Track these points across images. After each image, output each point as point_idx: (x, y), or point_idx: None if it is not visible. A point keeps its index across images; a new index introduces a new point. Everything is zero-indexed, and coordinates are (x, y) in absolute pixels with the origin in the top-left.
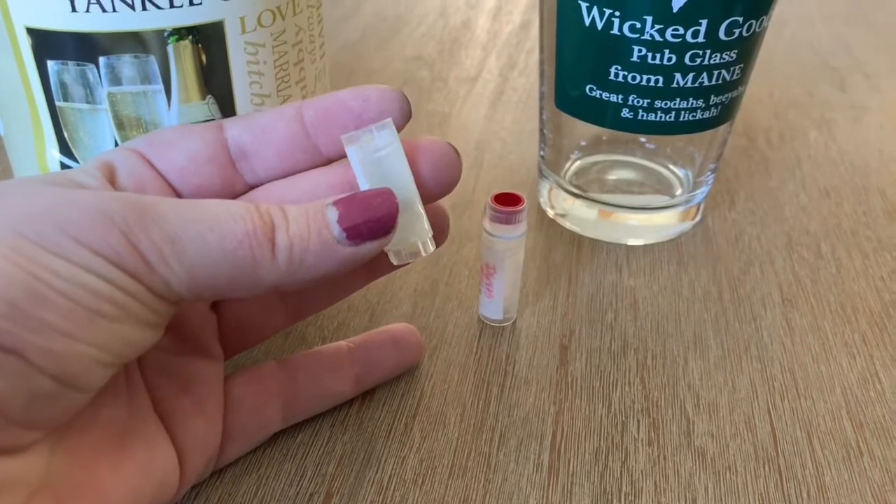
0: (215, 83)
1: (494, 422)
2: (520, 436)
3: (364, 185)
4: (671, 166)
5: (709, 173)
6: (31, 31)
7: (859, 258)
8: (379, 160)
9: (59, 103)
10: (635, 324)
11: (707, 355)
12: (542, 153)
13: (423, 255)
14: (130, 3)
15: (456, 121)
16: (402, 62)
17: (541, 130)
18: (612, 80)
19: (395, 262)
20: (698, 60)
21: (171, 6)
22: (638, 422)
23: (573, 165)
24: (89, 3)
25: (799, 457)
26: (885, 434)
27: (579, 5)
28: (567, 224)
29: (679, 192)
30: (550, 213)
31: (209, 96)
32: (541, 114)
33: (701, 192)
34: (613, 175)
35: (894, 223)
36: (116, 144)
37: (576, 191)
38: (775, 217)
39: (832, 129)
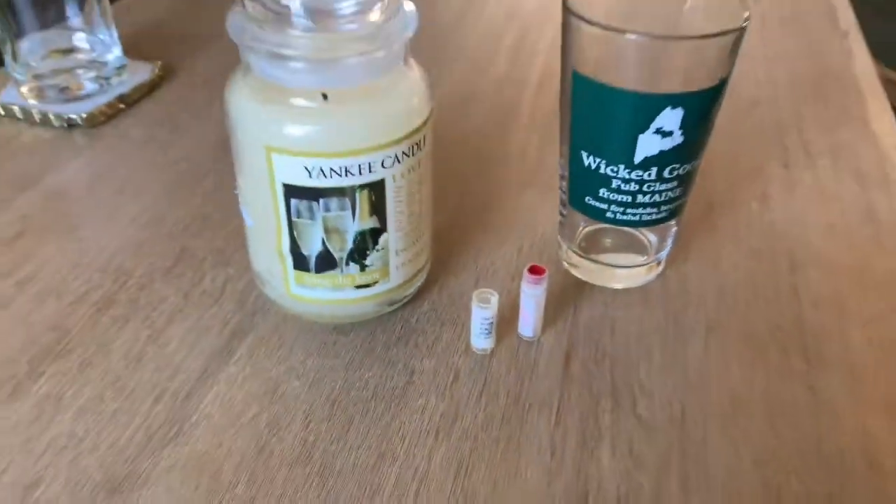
0: (377, 209)
1: (521, 390)
2: (536, 401)
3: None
4: (647, 234)
5: (669, 240)
6: (285, 185)
7: (763, 300)
8: None
9: (293, 219)
10: (612, 340)
11: (652, 361)
12: (560, 230)
13: None
14: (340, 171)
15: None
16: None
17: (560, 213)
18: (601, 196)
19: None
20: (653, 188)
21: (359, 173)
22: (606, 399)
23: (581, 234)
24: (319, 172)
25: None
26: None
27: (581, 154)
28: (575, 272)
29: (650, 252)
30: (565, 265)
31: (374, 216)
32: (561, 206)
33: (664, 253)
34: (609, 239)
35: (794, 275)
36: (323, 243)
37: (582, 253)
38: (714, 270)
39: (770, 201)
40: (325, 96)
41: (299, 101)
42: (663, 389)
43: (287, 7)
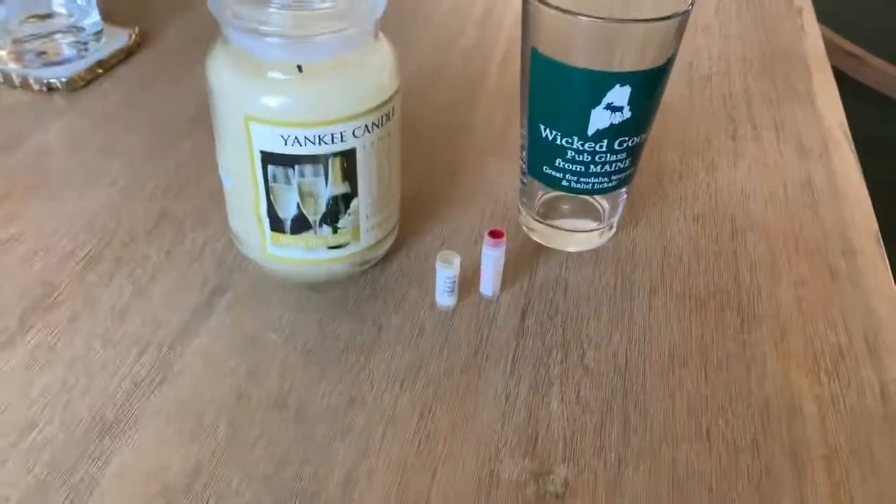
0: (349, 175)
1: (481, 343)
2: (494, 352)
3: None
4: (600, 201)
5: (620, 207)
6: (262, 152)
7: (705, 262)
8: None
9: (270, 184)
10: (565, 298)
11: (601, 318)
12: (521, 197)
13: None
14: (314, 140)
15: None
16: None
17: (521, 181)
18: (557, 165)
19: None
20: (604, 159)
21: (332, 142)
22: (557, 351)
23: (540, 200)
24: (294, 140)
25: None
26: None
27: (539, 127)
28: (533, 236)
29: (603, 218)
30: (525, 229)
31: (346, 182)
32: (521, 175)
33: (615, 218)
34: (565, 205)
35: (734, 240)
36: (298, 207)
37: (540, 219)
38: (660, 235)
39: (715, 171)
40: (299, 68)
41: (276, 74)
42: (609, 342)
43: None
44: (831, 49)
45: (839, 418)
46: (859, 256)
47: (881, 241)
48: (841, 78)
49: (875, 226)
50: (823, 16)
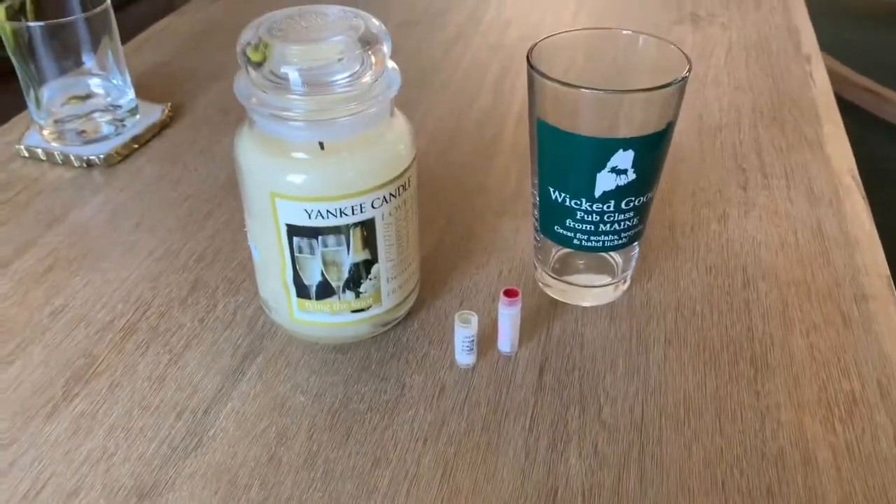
0: (369, 243)
1: (500, 400)
2: (513, 409)
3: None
4: (614, 256)
5: (633, 261)
6: (288, 225)
7: (718, 313)
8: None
9: (296, 254)
10: (581, 353)
11: (616, 371)
12: (535, 254)
13: None
14: (335, 213)
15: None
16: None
17: (535, 239)
18: (568, 225)
19: None
20: (612, 217)
21: (353, 214)
22: (575, 406)
23: (554, 257)
24: (317, 213)
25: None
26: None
27: (548, 189)
28: (549, 292)
29: (616, 273)
30: (540, 285)
31: (366, 249)
32: (535, 232)
33: (628, 273)
34: (580, 261)
35: (746, 290)
36: (322, 274)
37: (555, 275)
38: (673, 287)
39: (728, 221)
40: (321, 145)
41: (299, 154)
42: (625, 396)
43: (286, 76)
44: (850, 86)
45: (854, 465)
46: (871, 302)
47: (893, 285)
48: (860, 115)
49: (886, 270)
50: (841, 54)
